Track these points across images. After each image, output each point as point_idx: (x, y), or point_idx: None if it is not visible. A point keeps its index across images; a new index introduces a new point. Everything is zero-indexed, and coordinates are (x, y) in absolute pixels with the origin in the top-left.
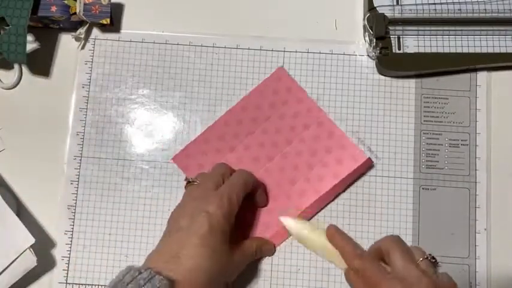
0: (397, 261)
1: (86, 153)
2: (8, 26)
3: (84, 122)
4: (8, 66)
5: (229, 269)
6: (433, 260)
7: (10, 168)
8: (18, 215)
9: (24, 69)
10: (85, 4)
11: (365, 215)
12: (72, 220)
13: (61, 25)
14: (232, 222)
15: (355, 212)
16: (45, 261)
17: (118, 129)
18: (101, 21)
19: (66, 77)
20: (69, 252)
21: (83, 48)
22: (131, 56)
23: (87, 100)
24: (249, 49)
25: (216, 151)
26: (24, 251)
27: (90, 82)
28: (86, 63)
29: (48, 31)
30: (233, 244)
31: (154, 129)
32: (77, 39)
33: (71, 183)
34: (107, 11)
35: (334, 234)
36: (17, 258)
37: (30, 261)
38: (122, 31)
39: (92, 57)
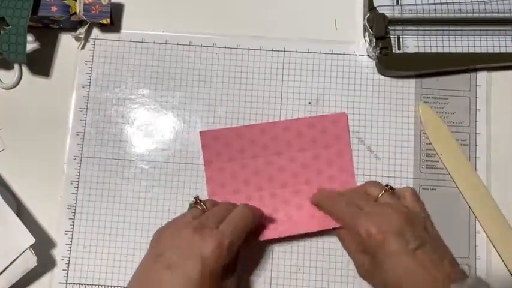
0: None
1: (86, 153)
2: (8, 26)
3: (84, 122)
4: (8, 66)
5: None
6: (391, 190)
7: (10, 168)
8: (18, 215)
9: (24, 69)
10: (85, 4)
11: None
12: (72, 220)
13: (61, 25)
14: (226, 262)
15: None
16: (45, 261)
17: (118, 129)
18: (101, 21)
19: (66, 77)
20: (69, 252)
21: (83, 48)
22: (131, 56)
23: (87, 100)
24: (249, 49)
25: (239, 150)
26: (24, 251)
27: (90, 82)
28: (86, 63)
29: (48, 31)
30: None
31: (154, 129)
32: (77, 39)
33: (71, 183)
34: (107, 11)
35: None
36: (17, 258)
37: (30, 261)
38: (121, 31)
39: (92, 57)
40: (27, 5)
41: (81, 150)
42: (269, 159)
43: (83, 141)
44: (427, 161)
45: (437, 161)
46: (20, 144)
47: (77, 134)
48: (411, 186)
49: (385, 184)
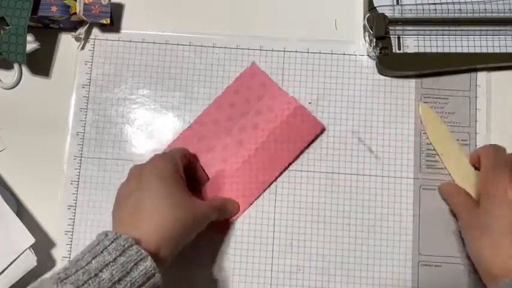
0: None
1: (86, 154)
2: (8, 26)
3: (84, 122)
4: (8, 66)
5: (196, 215)
6: None
7: (10, 168)
8: (18, 215)
9: (24, 69)
10: (85, 4)
11: (365, 215)
12: (73, 220)
13: (61, 25)
14: (183, 175)
15: (355, 212)
16: (45, 261)
17: (118, 129)
18: (101, 21)
19: (66, 77)
20: (69, 252)
21: (83, 48)
22: (131, 56)
23: (87, 100)
24: (249, 49)
25: (195, 151)
26: (24, 251)
27: (90, 82)
28: (86, 64)
29: (48, 31)
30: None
31: (154, 129)
32: (77, 39)
33: (71, 184)
34: (106, 11)
35: None
36: (17, 258)
37: (30, 261)
38: (121, 31)
39: (92, 58)
40: (27, 5)
41: (81, 151)
42: (223, 143)
43: (83, 142)
44: (427, 161)
45: (438, 161)
46: (20, 144)
47: (77, 134)
48: (412, 186)
49: None
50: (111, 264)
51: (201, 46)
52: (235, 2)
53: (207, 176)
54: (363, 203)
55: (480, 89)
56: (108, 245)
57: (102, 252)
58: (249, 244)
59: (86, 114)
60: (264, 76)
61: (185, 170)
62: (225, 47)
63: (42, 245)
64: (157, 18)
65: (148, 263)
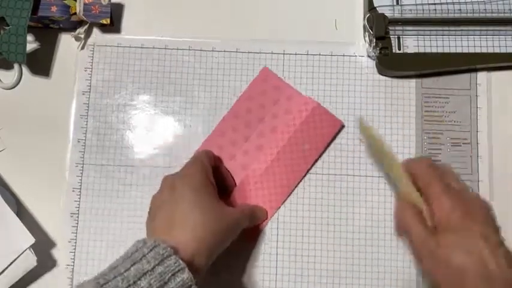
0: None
1: (87, 160)
2: (8, 26)
3: (85, 129)
4: (8, 66)
5: (229, 222)
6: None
7: (10, 168)
8: (18, 215)
9: (24, 69)
10: (85, 4)
11: (368, 216)
12: (76, 228)
13: (61, 25)
14: (213, 183)
15: (358, 213)
16: (45, 261)
17: (119, 135)
18: (101, 21)
19: (66, 77)
20: (73, 260)
21: (83, 48)
22: (131, 61)
23: (88, 107)
24: (248, 52)
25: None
26: (24, 251)
27: (90, 89)
28: (85, 70)
29: (48, 31)
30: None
31: (155, 134)
32: (77, 39)
33: (73, 191)
34: (106, 11)
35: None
36: (17, 258)
37: (30, 261)
38: (120, 37)
39: (91, 64)
40: (27, 5)
41: (83, 158)
42: (244, 150)
43: (84, 148)
44: None
45: (440, 160)
46: (20, 144)
47: (78, 141)
48: None
49: None
50: (149, 273)
51: (201, 50)
52: (234, 5)
53: (233, 179)
54: (366, 204)
55: (480, 88)
56: (147, 253)
57: (141, 259)
58: (253, 249)
59: (86, 121)
60: (276, 79)
61: (213, 174)
62: (225, 51)
63: (42, 245)
64: (156, 23)
65: (186, 274)
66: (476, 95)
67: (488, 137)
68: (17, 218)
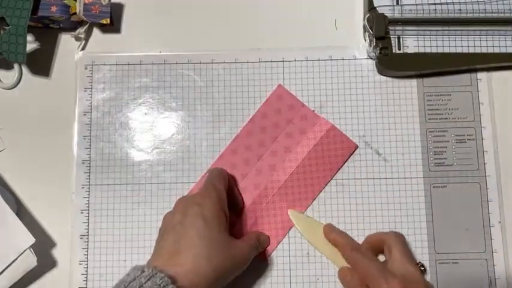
0: (398, 257)
1: (93, 181)
2: (8, 26)
3: (89, 149)
4: (8, 66)
5: (234, 258)
6: (422, 268)
7: (10, 168)
8: (18, 215)
9: (24, 69)
10: (85, 4)
11: (379, 218)
12: (86, 250)
13: (61, 25)
14: (226, 211)
15: (368, 217)
16: (45, 261)
17: (124, 153)
18: (100, 21)
19: (66, 77)
20: (85, 282)
21: (83, 48)
22: (130, 79)
23: (90, 127)
24: (248, 62)
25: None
26: (24, 251)
27: (91, 109)
28: (85, 90)
29: (48, 31)
30: (235, 237)
31: (160, 151)
32: (77, 38)
33: (81, 213)
34: (106, 11)
35: (331, 230)
36: (17, 258)
37: (30, 261)
38: (118, 54)
39: (91, 84)
40: (27, 5)
41: (89, 179)
42: (256, 168)
43: (89, 169)
44: (435, 159)
45: (446, 158)
46: (20, 144)
47: (83, 163)
48: (422, 186)
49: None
50: None
51: (200, 63)
52: (232, 17)
53: (243, 200)
54: (375, 206)
55: (481, 83)
56: (144, 283)
57: None
58: (267, 257)
59: (90, 142)
60: (291, 97)
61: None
62: (224, 62)
63: (42, 245)
64: (153, 39)
65: None
66: (478, 91)
67: (492, 131)
68: (17, 217)
